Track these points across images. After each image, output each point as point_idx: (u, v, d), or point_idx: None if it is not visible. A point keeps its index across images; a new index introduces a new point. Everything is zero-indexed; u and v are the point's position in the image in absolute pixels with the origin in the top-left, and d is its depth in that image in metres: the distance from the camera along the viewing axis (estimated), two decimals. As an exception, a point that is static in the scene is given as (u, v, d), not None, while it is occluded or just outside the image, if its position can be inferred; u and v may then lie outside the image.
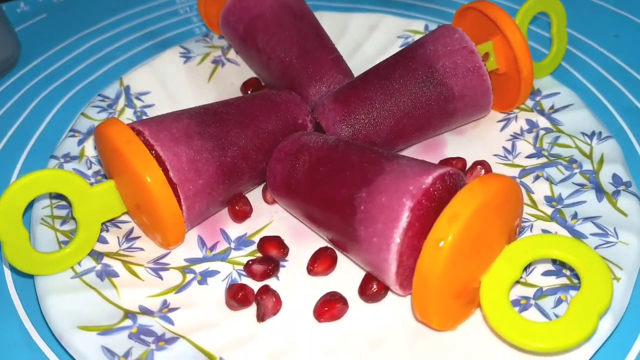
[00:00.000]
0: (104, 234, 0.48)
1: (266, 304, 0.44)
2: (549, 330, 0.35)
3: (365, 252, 0.41)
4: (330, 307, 0.43)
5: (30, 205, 0.50)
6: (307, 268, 0.46)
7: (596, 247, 0.45)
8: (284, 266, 0.47)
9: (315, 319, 0.43)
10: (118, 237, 0.49)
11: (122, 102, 0.59)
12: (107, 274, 0.46)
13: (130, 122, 0.47)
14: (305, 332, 0.43)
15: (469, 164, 0.53)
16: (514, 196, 0.40)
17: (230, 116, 0.48)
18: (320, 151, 0.46)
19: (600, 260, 0.38)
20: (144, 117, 0.58)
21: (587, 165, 0.52)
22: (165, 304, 0.44)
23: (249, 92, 0.61)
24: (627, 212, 0.47)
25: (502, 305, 0.37)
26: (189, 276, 0.47)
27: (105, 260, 0.46)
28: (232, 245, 0.49)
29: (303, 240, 0.49)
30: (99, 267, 0.46)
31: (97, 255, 0.47)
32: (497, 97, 0.58)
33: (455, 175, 0.41)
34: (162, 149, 0.43)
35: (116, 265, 0.46)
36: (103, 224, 0.49)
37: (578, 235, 0.46)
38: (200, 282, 0.46)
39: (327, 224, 0.44)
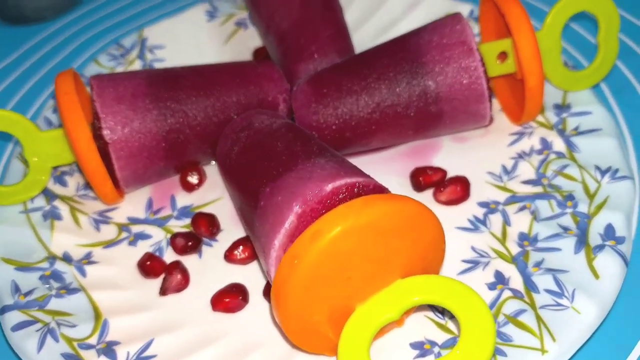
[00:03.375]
0: (67, 177, 0.51)
1: (171, 279, 0.43)
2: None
3: (257, 250, 0.38)
4: (228, 298, 0.41)
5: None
6: (224, 254, 0.44)
7: (542, 307, 0.37)
8: (210, 245, 0.46)
9: (210, 306, 0.42)
10: (78, 183, 0.50)
11: (135, 53, 0.60)
12: (52, 215, 0.48)
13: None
14: (195, 317, 0.41)
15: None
16: (417, 226, 0.34)
17: (189, 82, 0.46)
18: (259, 134, 0.43)
19: (489, 326, 0.31)
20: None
21: (583, 207, 0.43)
22: (88, 255, 0.45)
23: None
24: (600, 273, 0.38)
25: (360, 341, 0.32)
26: (124, 234, 0.47)
27: (57, 202, 0.49)
28: (175, 213, 0.48)
29: (241, 225, 0.47)
30: (48, 207, 0.48)
31: (51, 197, 0.49)
32: (516, 106, 0.49)
33: (369, 187, 0.36)
34: (101, 105, 0.44)
35: (64, 209, 0.48)
36: (68, 167, 0.51)
37: (530, 287, 0.39)
38: (131, 243, 0.47)
39: (241, 212, 0.41)
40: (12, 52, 0.68)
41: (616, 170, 0.44)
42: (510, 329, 0.37)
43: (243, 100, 0.47)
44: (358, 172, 0.37)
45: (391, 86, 0.46)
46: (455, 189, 0.45)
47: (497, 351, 0.36)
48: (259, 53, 0.59)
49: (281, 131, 0.42)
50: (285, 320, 0.33)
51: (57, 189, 0.50)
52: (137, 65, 0.59)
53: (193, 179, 0.48)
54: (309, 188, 0.35)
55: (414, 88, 0.45)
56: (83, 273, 0.44)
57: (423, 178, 0.47)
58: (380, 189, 0.37)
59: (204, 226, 0.45)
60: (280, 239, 0.35)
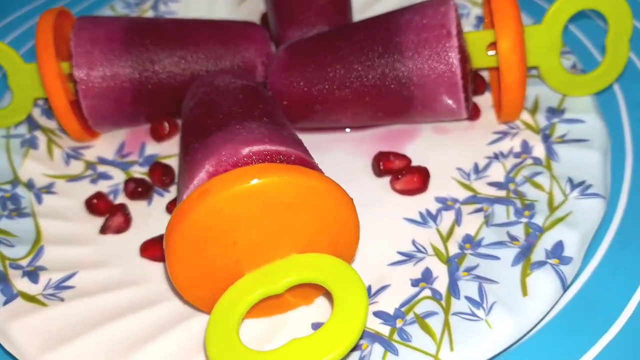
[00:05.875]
0: (54, 111, 0.53)
1: (113, 220, 0.44)
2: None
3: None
4: (156, 247, 0.41)
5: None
6: (166, 205, 0.44)
7: (455, 314, 0.35)
8: (162, 195, 0.46)
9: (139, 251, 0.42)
10: (63, 118, 0.52)
11: (149, 3, 0.61)
12: (29, 144, 0.50)
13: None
14: (123, 259, 0.42)
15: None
16: (321, 203, 0.32)
17: (167, 33, 0.47)
18: (214, 92, 0.42)
19: (361, 318, 0.29)
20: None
21: (539, 219, 0.39)
22: (49, 185, 0.47)
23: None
24: (531, 292, 0.35)
25: (235, 307, 0.31)
26: (89, 172, 0.49)
27: (37, 132, 0.51)
28: (140, 160, 0.49)
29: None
30: (28, 136, 0.51)
31: (34, 126, 0.51)
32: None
33: (289, 157, 0.35)
34: (75, 45, 0.45)
35: (42, 140, 0.51)
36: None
37: (452, 291, 0.36)
38: (93, 181, 0.48)
39: (178, 166, 0.41)
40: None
41: (589, 186, 0.40)
42: (413, 329, 0.35)
43: (219, 58, 0.47)
44: (287, 141, 0.36)
45: (363, 63, 0.43)
46: (412, 179, 0.43)
47: (390, 348, 0.34)
48: (265, 18, 0.58)
49: (235, 92, 0.42)
50: (173, 272, 0.33)
51: (42, 120, 0.52)
52: (149, 15, 0.60)
53: (163, 128, 0.49)
54: (226, 149, 0.35)
55: (386, 68, 0.43)
56: (40, 200, 0.46)
57: (383, 163, 0.44)
58: (304, 162, 0.35)
59: (158, 175, 0.46)
60: (189, 195, 0.35)
